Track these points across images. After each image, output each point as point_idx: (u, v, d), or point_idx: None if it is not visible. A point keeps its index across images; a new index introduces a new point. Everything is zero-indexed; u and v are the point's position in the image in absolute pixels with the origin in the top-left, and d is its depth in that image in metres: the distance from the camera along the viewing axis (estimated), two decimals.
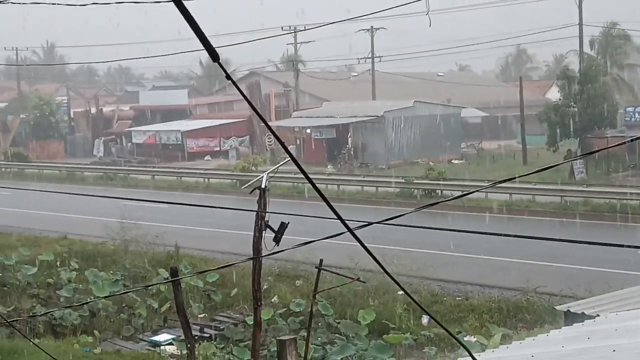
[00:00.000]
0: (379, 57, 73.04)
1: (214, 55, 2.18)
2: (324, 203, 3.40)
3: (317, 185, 2.96)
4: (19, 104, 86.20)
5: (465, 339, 17.73)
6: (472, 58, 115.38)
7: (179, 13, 2.21)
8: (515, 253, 26.04)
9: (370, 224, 5.42)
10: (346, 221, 3.16)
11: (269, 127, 2.75)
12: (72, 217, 36.52)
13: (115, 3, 12.17)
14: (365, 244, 3.63)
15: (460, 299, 22.68)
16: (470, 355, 3.17)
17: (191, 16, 2.09)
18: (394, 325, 20.35)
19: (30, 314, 21.48)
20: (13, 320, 19.51)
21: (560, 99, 51.18)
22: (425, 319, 20.99)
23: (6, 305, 22.80)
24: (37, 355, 16.58)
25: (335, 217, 2.85)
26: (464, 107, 66.37)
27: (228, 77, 2.32)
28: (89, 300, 21.73)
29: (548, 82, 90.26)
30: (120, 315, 22.73)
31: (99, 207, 34.14)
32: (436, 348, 18.73)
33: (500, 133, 71.79)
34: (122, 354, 18.67)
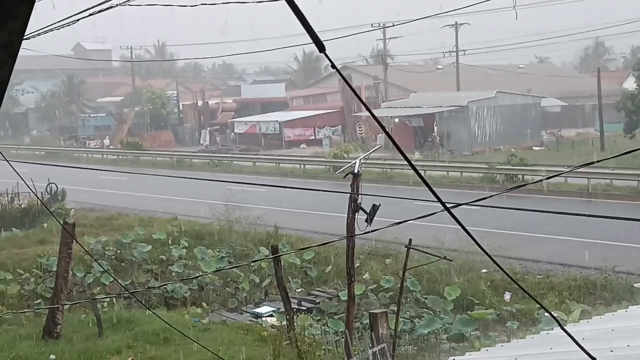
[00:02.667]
0: (463, 50, 72.15)
1: (320, 46, 2.19)
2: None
3: (410, 170, 2.94)
4: (134, 98, 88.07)
5: (545, 315, 17.45)
6: (551, 50, 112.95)
7: (284, 8, 2.24)
8: (592, 234, 25.45)
9: (460, 205, 5.39)
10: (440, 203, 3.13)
11: (374, 116, 2.75)
12: (182, 200, 37.19)
13: (222, 3, 12.30)
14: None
15: (540, 277, 22.32)
16: (560, 326, 3.12)
17: (298, 8, 2.10)
18: (478, 301, 20.18)
19: (147, 287, 22.03)
20: (133, 292, 20.03)
21: (636, 89, 49.76)
22: (507, 296, 20.74)
23: (124, 279, 23.40)
24: (152, 324, 17.02)
25: (435, 199, 2.83)
26: (543, 97, 65.08)
27: (333, 66, 2.33)
28: (197, 274, 22.16)
29: (625, 73, 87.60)
30: (226, 289, 23.10)
31: (205, 191, 34.68)
32: (518, 323, 18.50)
33: (578, 121, 70.18)
34: (228, 324, 18.96)
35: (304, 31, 2.20)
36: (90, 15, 10.34)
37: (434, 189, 3.00)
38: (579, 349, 3.16)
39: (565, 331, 3.00)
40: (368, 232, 10.69)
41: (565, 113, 72.47)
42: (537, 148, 56.69)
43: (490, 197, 5.81)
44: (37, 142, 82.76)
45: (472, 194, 33.28)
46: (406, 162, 3.11)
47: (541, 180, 29.65)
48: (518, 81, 72.81)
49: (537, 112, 61.86)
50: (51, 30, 11.52)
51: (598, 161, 6.18)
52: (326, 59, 2.39)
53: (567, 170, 28.41)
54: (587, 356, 3.15)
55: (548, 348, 6.75)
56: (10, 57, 1.91)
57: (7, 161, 9.81)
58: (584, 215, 5.69)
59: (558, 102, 72.02)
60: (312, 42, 2.21)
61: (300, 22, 2.10)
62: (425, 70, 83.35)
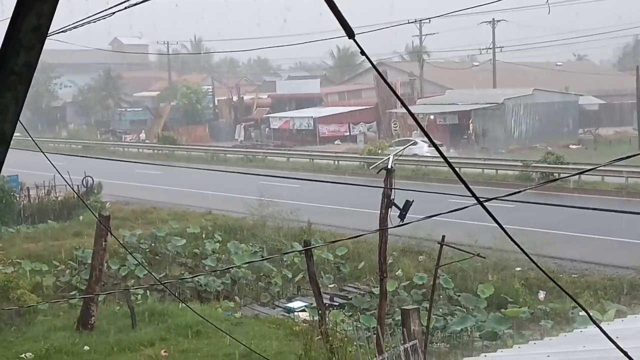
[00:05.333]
0: (500, 47, 71.58)
1: (349, 32, 2.16)
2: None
3: (445, 167, 2.91)
4: (170, 93, 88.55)
5: (580, 314, 17.26)
6: (589, 48, 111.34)
7: (318, 3, 2.21)
8: (629, 233, 25.12)
9: (491, 199, 5.34)
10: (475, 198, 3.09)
11: (409, 111, 2.72)
12: (216, 195, 37.33)
13: None
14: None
15: (576, 276, 22.10)
16: (593, 321, 3.07)
17: None
18: (511, 300, 20.02)
19: (180, 279, 22.16)
20: (165, 283, 20.15)
21: None
22: (541, 294, 20.54)
23: (158, 272, 23.55)
24: (185, 317, 17.12)
25: (469, 194, 2.78)
26: (581, 95, 64.42)
27: (363, 53, 2.29)
28: (231, 267, 22.24)
29: None
30: (259, 283, 23.17)
31: (239, 186, 34.81)
32: (552, 322, 18.33)
33: (616, 120, 69.31)
34: (260, 318, 19.01)
35: (339, 26, 2.17)
36: (126, 8, 10.40)
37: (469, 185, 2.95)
38: (612, 347, 3.10)
39: (598, 326, 2.95)
40: (399, 226, 10.64)
41: (603, 111, 71.64)
42: (573, 146, 56.14)
43: (518, 192, 5.77)
44: (74, 136, 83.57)
45: (507, 192, 32.94)
46: (441, 158, 3.07)
47: (567, 177, 29.38)
48: (555, 79, 72.06)
49: (575, 110, 61.25)
50: (87, 23, 11.61)
51: (625, 157, 6.02)
52: (357, 56, 2.36)
53: (591, 168, 28.21)
54: (621, 354, 3.09)
55: (581, 346, 6.67)
56: (39, 40, 1.91)
57: (44, 153, 9.90)
58: (617, 211, 5.62)
59: (596, 100, 71.21)
60: (344, 33, 2.18)
61: (329, 7, 2.08)
62: (461, 67, 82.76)
